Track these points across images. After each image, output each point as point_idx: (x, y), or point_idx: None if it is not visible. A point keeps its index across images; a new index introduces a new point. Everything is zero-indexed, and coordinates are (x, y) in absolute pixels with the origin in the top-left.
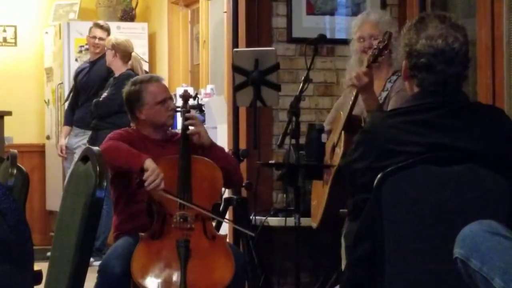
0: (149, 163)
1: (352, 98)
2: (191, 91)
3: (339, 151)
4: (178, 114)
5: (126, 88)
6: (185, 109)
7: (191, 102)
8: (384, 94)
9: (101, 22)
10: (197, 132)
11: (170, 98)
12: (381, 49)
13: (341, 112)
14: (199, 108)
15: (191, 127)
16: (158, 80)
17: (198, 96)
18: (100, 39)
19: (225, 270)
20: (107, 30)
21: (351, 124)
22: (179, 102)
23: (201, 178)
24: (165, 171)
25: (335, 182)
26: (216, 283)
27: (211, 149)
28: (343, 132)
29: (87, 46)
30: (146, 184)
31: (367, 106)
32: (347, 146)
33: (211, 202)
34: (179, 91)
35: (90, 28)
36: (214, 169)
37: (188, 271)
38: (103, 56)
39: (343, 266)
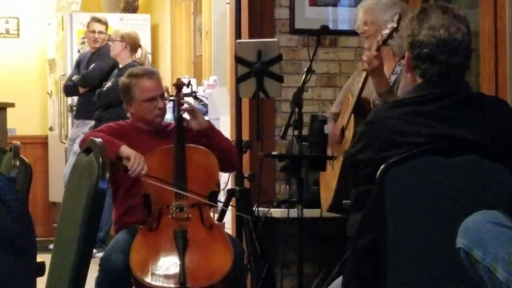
0: (124, 150)
1: (362, 81)
2: (193, 82)
3: (349, 134)
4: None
5: (121, 79)
6: (179, 97)
7: (185, 90)
8: (393, 77)
9: (98, 15)
10: (193, 117)
11: (161, 96)
12: (391, 32)
13: (350, 95)
14: (193, 95)
15: (185, 116)
16: (151, 75)
17: (191, 84)
18: (100, 32)
19: (224, 258)
20: (106, 24)
21: (361, 107)
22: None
23: (197, 167)
24: (160, 161)
25: (345, 166)
26: (215, 272)
27: (210, 131)
28: (352, 115)
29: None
30: (130, 172)
31: (378, 89)
32: (357, 129)
33: (207, 190)
34: None
35: (88, 23)
36: (209, 156)
37: (187, 261)
38: (102, 47)
39: None
